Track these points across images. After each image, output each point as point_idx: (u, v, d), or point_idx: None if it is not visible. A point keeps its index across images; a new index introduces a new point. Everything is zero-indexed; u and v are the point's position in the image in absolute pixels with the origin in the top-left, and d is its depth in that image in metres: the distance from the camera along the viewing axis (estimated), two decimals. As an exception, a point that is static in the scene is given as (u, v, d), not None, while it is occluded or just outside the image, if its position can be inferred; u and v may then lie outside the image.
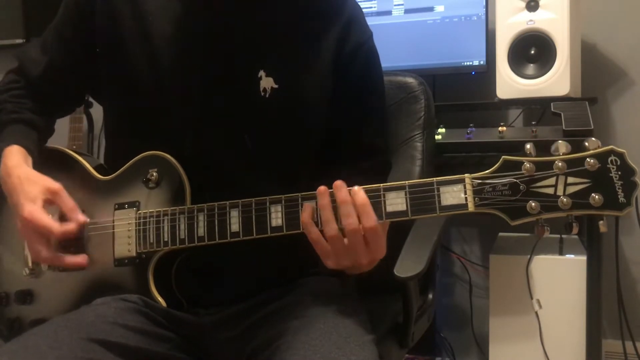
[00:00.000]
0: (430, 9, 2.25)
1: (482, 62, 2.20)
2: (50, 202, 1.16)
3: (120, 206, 1.19)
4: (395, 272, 1.25)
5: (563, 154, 0.93)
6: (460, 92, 2.34)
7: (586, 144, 0.92)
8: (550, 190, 0.93)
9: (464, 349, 2.46)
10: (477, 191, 0.96)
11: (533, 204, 0.93)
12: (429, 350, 2.40)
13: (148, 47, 1.19)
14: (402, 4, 2.28)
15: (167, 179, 1.17)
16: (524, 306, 1.94)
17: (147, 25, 1.20)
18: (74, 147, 2.55)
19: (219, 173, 1.18)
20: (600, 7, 2.25)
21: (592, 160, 0.91)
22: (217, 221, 1.10)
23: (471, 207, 0.96)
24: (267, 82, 1.18)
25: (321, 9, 1.25)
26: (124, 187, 1.21)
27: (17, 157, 1.20)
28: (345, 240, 1.02)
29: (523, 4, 1.97)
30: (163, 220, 1.14)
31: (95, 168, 1.27)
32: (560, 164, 0.92)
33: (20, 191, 1.15)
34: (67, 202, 1.17)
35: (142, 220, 1.16)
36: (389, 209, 1.01)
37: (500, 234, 2.22)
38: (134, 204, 1.18)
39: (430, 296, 1.60)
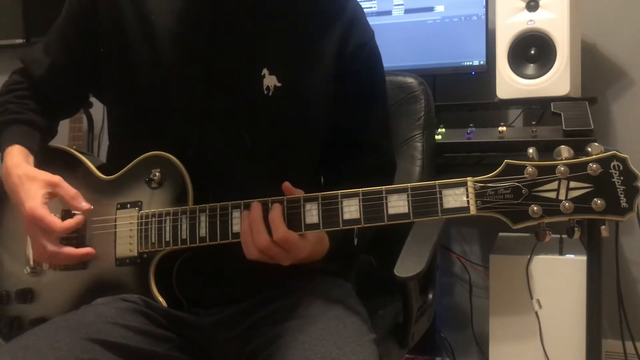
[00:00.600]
0: (430, 9, 2.25)
1: (482, 62, 2.21)
2: (52, 195, 1.17)
3: (123, 206, 1.20)
4: (396, 272, 1.26)
5: (565, 159, 0.93)
6: (460, 92, 2.34)
7: (589, 149, 0.92)
8: (553, 195, 0.93)
9: (464, 349, 2.46)
10: (480, 194, 0.96)
11: (535, 207, 0.93)
12: (429, 350, 2.40)
13: (151, 47, 1.20)
14: (402, 4, 2.28)
15: (170, 179, 1.17)
16: (524, 306, 1.94)
17: (151, 25, 1.20)
18: (74, 147, 2.53)
19: (221, 172, 1.18)
20: (600, 7, 2.25)
21: (594, 165, 0.91)
22: (219, 222, 1.10)
23: (473, 210, 0.96)
24: (270, 80, 1.18)
25: (323, 8, 1.26)
26: (126, 187, 1.21)
27: (17, 157, 1.21)
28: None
29: (523, 4, 1.97)
30: (165, 220, 1.15)
31: (98, 168, 1.27)
32: (562, 168, 0.92)
33: (21, 189, 1.16)
34: (69, 191, 1.17)
35: (144, 220, 1.17)
36: (391, 211, 1.01)
37: (501, 234, 2.22)
38: (136, 204, 1.18)
39: (430, 296, 1.60)
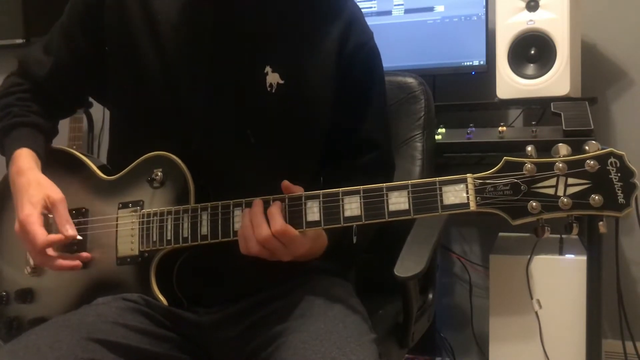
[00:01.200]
0: (430, 9, 2.26)
1: (482, 62, 2.21)
2: (48, 210, 1.16)
3: (124, 205, 1.20)
4: (396, 272, 1.26)
5: (563, 156, 0.94)
6: (460, 92, 2.34)
7: (586, 147, 0.94)
8: (551, 191, 0.93)
9: (464, 349, 2.46)
10: (479, 191, 0.97)
11: (534, 203, 0.94)
12: (429, 350, 2.40)
13: (157, 45, 1.21)
14: (402, 4, 2.29)
15: (172, 179, 1.18)
16: (524, 306, 1.94)
17: (156, 23, 1.21)
18: (74, 147, 2.54)
19: (224, 168, 1.19)
20: (600, 7, 2.25)
21: (592, 162, 0.92)
22: (221, 220, 1.10)
23: (473, 207, 0.97)
24: (273, 78, 1.19)
25: (322, 8, 1.27)
26: (128, 186, 1.21)
27: (29, 160, 1.21)
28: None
29: (523, 4, 1.97)
30: (166, 219, 1.15)
31: (99, 168, 1.27)
32: (561, 165, 0.93)
33: (25, 193, 1.16)
34: (62, 215, 1.15)
35: (145, 219, 1.17)
36: (392, 208, 1.01)
37: (501, 234, 2.22)
38: (137, 203, 1.19)
39: (430, 296, 1.60)
